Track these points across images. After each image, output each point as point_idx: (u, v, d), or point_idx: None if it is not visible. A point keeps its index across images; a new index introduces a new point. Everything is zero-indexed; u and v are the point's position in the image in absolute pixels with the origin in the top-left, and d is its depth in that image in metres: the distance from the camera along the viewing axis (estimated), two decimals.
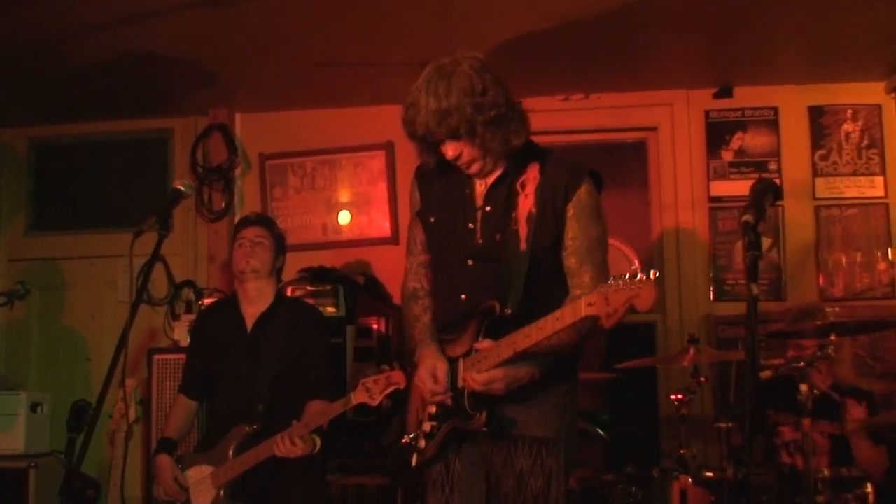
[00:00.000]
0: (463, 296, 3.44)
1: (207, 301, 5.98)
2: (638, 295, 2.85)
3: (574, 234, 3.36)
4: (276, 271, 4.87)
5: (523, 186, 3.42)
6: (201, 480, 4.51)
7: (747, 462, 3.27)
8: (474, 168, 3.40)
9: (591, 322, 3.09)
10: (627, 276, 2.89)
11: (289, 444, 4.26)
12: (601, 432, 5.49)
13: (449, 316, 3.51)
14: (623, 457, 5.21)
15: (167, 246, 3.78)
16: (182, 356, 5.67)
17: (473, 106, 3.23)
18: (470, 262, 3.44)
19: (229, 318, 4.80)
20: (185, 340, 5.87)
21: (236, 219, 6.87)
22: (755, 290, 2.81)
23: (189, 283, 6.68)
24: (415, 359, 3.55)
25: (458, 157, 3.35)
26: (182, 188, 3.83)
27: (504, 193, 3.44)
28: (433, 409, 3.44)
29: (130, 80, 6.38)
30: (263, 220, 4.94)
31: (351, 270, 6.36)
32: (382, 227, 6.81)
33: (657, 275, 2.85)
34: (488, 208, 3.45)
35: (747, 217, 2.94)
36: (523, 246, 3.36)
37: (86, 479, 5.07)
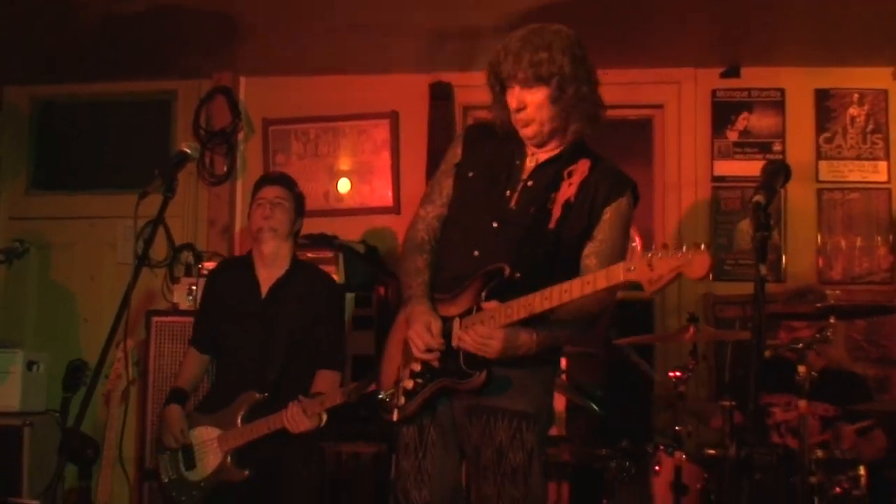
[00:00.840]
0: (476, 252, 3.41)
1: (208, 265, 5.97)
2: (690, 263, 2.83)
3: (604, 236, 3.38)
4: (294, 234, 4.78)
5: (570, 175, 3.41)
6: (207, 442, 4.51)
7: (750, 441, 3.27)
8: (531, 128, 3.38)
9: (614, 295, 3.13)
10: (674, 247, 2.88)
11: (298, 417, 4.25)
12: (595, 407, 5.49)
13: (453, 270, 3.48)
14: (616, 433, 5.23)
15: (167, 208, 3.76)
16: (181, 319, 5.75)
17: (572, 67, 3.26)
18: (495, 224, 3.41)
19: (244, 279, 4.72)
20: (184, 303, 5.87)
21: (238, 183, 6.91)
22: (763, 270, 2.81)
23: (188, 247, 6.65)
24: (405, 312, 3.51)
25: (522, 109, 3.34)
26: (188, 151, 3.80)
27: (550, 174, 3.43)
28: (417, 367, 3.42)
29: (135, 41, 6.34)
30: (284, 180, 4.82)
31: (351, 238, 6.34)
32: (384, 196, 6.80)
33: (709, 247, 2.85)
34: (531, 183, 3.44)
35: (758, 198, 2.95)
36: (552, 225, 3.36)
37: (85, 439, 5.07)
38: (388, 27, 6.05)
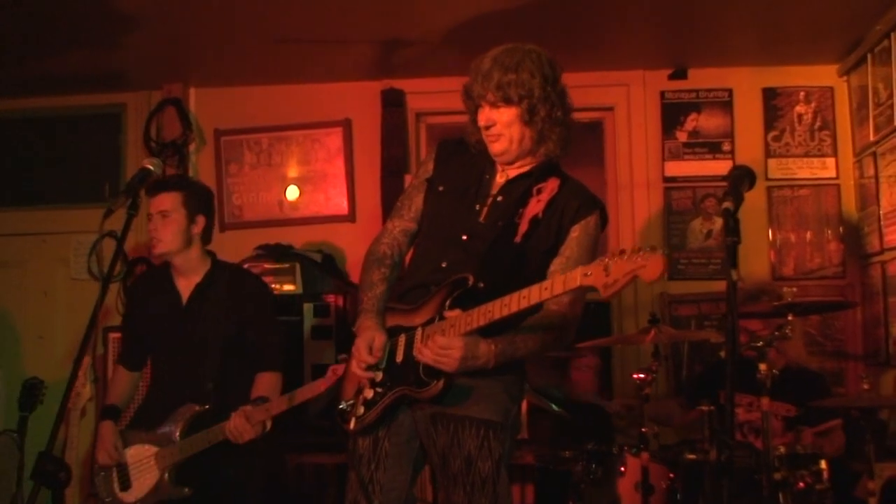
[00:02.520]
0: (444, 264, 3.45)
1: None
2: (645, 266, 2.87)
3: (571, 253, 3.41)
4: (200, 235, 4.50)
5: (539, 192, 3.45)
6: (143, 461, 4.38)
7: (730, 444, 3.32)
8: (499, 145, 3.42)
9: (578, 307, 3.21)
10: (630, 251, 2.92)
11: (241, 427, 4.15)
12: (556, 408, 5.52)
13: (420, 279, 3.52)
14: (577, 435, 5.26)
15: (119, 222, 3.69)
16: None
17: (542, 90, 3.33)
18: (464, 238, 3.46)
19: (163, 290, 4.54)
20: None
21: None
22: (735, 275, 2.86)
23: (143, 260, 6.60)
24: (354, 328, 3.52)
25: (490, 126, 3.38)
26: (151, 167, 3.76)
27: (520, 190, 3.47)
28: (379, 376, 3.43)
29: (83, 55, 6.28)
30: (170, 183, 4.47)
31: (307, 248, 6.34)
32: (339, 204, 6.78)
33: (665, 251, 2.89)
34: (500, 198, 3.49)
35: (727, 204, 3.00)
36: (518, 238, 3.40)
37: (58, 462, 5.01)
38: (337, 36, 6.06)
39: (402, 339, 3.43)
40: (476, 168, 3.56)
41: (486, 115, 3.38)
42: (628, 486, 4.75)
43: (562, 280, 3.05)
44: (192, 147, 6.92)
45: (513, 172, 3.51)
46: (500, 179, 3.52)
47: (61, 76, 6.66)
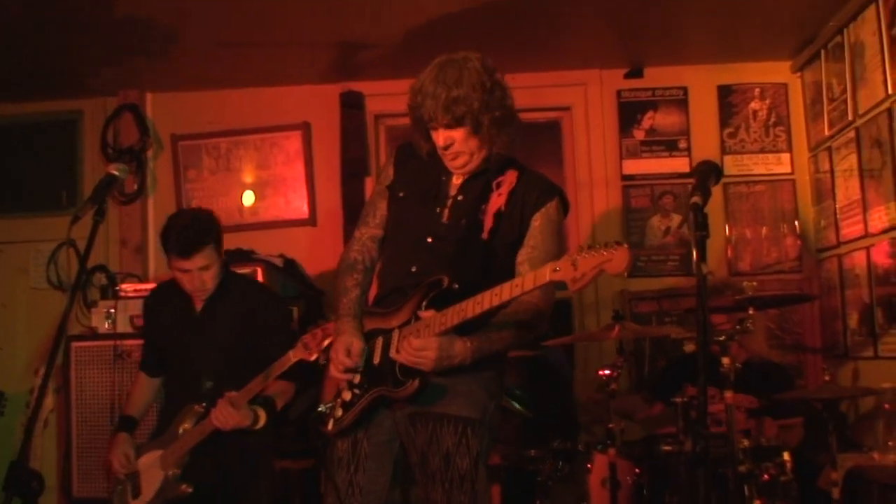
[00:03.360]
0: (413, 268, 3.48)
1: (125, 286, 5.91)
2: (610, 260, 2.93)
3: (535, 243, 3.46)
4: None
5: (498, 186, 3.50)
6: (151, 465, 4.47)
7: (705, 435, 3.36)
8: (459, 161, 3.46)
9: (550, 298, 3.23)
10: (596, 245, 2.98)
11: (224, 412, 4.19)
12: (518, 407, 5.54)
13: (393, 284, 3.56)
14: (540, 433, 5.29)
15: (77, 230, 3.67)
16: (101, 343, 5.68)
17: (481, 101, 3.32)
18: (429, 240, 3.49)
19: (178, 299, 4.61)
20: (102, 327, 5.79)
21: (149, 201, 6.83)
22: (705, 269, 2.91)
23: (101, 268, 6.56)
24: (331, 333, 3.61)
25: (449, 145, 3.41)
26: (116, 173, 3.75)
27: (479, 187, 3.52)
28: (357, 378, 3.47)
29: (38, 61, 6.24)
30: (201, 241, 4.38)
31: (268, 252, 6.32)
32: (299, 208, 6.78)
33: (628, 245, 2.94)
34: (460, 197, 3.52)
35: (695, 199, 3.05)
36: (485, 235, 3.44)
37: (29, 472, 4.99)
38: (295, 39, 6.05)
39: (378, 342, 3.47)
40: (433, 171, 3.59)
41: (443, 135, 3.40)
42: (596, 483, 4.78)
43: (532, 276, 3.10)
44: (149, 153, 6.89)
45: (469, 172, 3.55)
46: (456, 181, 3.56)
47: (16, 83, 6.61)
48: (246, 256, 6.11)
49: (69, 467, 5.62)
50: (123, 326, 5.73)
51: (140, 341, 5.48)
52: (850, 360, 5.94)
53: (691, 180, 6.08)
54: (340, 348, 3.46)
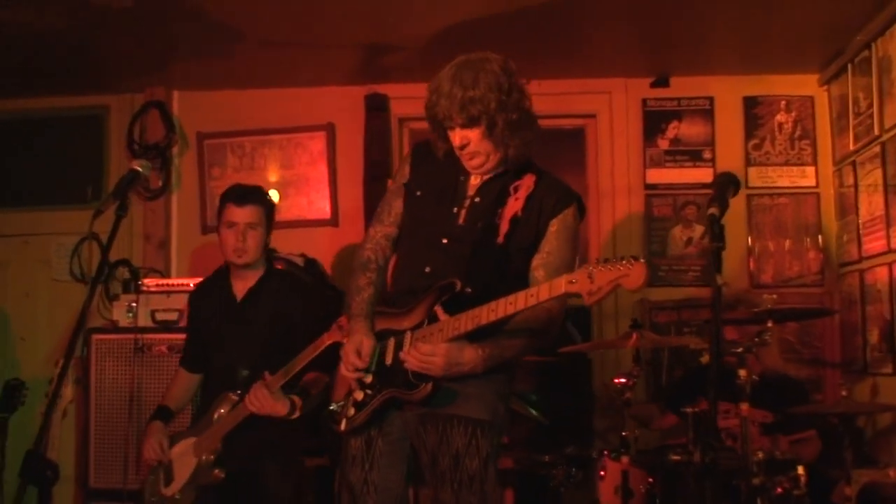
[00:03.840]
0: (428, 269, 3.49)
1: (147, 281, 5.95)
2: (628, 275, 2.94)
3: (551, 248, 3.48)
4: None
5: (516, 190, 3.51)
6: (185, 453, 4.53)
7: (715, 446, 3.36)
8: (475, 161, 3.48)
9: (562, 305, 3.25)
10: (614, 259, 2.99)
11: (259, 394, 4.24)
12: (534, 413, 5.53)
13: (407, 284, 3.56)
14: (555, 439, 5.28)
15: (101, 224, 3.72)
16: (121, 336, 5.72)
17: (498, 102, 3.33)
18: (445, 241, 3.50)
19: (220, 290, 4.73)
20: (124, 321, 5.83)
21: (173, 198, 6.88)
22: (720, 280, 2.92)
23: (124, 262, 6.60)
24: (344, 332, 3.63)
25: (465, 146, 3.42)
26: (139, 169, 3.79)
27: (496, 190, 3.53)
28: (369, 378, 3.48)
29: (67, 56, 6.27)
30: (256, 195, 4.66)
31: (290, 252, 6.34)
32: (322, 209, 6.80)
33: (646, 259, 2.96)
34: (478, 199, 3.54)
35: (713, 210, 3.07)
36: (500, 239, 3.45)
37: (44, 461, 5.03)
38: (322, 41, 6.07)
39: (391, 343, 3.48)
40: (451, 170, 3.60)
41: (459, 135, 3.42)
42: (608, 490, 4.78)
43: (547, 287, 3.11)
44: (175, 150, 6.92)
45: (487, 174, 3.56)
46: (475, 181, 3.57)
47: (45, 78, 6.66)
48: (267, 254, 6.13)
49: (86, 458, 5.66)
50: (144, 320, 5.75)
51: (160, 336, 5.59)
52: (870, 376, 5.90)
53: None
54: (351, 348, 3.48)
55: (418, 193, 3.65)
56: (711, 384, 2.90)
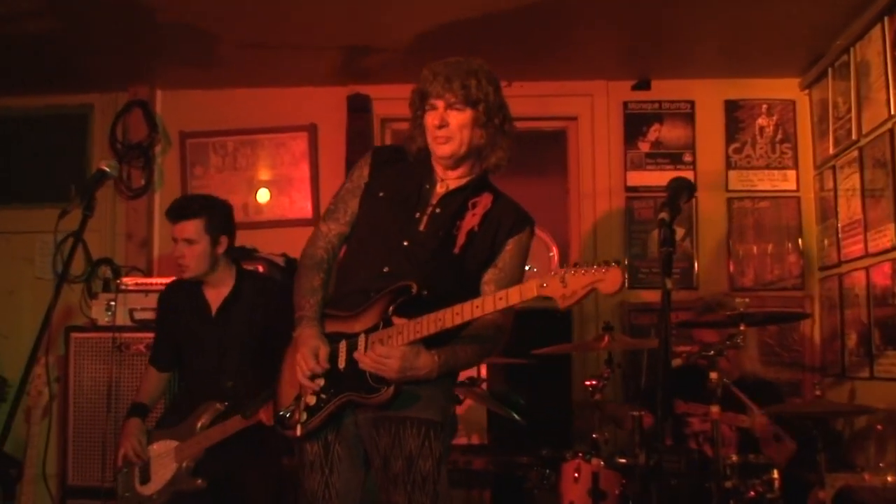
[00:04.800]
0: (386, 269, 3.48)
1: (126, 279, 5.96)
2: (603, 280, 2.97)
3: (504, 265, 3.52)
4: (225, 253, 4.75)
5: (474, 206, 3.56)
6: (164, 454, 4.55)
7: (659, 448, 3.38)
8: (446, 148, 3.47)
9: (510, 316, 3.32)
10: (588, 263, 3.01)
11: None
12: (516, 416, 5.54)
13: (359, 285, 3.54)
14: (537, 441, 5.29)
15: (92, 222, 3.76)
16: (99, 335, 5.72)
17: (497, 98, 3.46)
18: (406, 244, 3.50)
19: (193, 299, 4.76)
20: (102, 319, 5.83)
21: (156, 197, 6.89)
22: (669, 284, 2.94)
23: (107, 261, 6.63)
24: (295, 333, 3.58)
25: (443, 126, 3.43)
26: (107, 169, 3.80)
27: (457, 203, 3.55)
28: (321, 382, 3.46)
29: (52, 55, 6.28)
30: (190, 210, 4.66)
31: (271, 251, 6.35)
32: (304, 208, 6.82)
33: (624, 263, 2.97)
34: (438, 210, 3.55)
35: (663, 214, 3.07)
36: (456, 250, 3.48)
37: (7, 458, 5.04)
38: (304, 41, 6.08)
39: (343, 346, 3.48)
40: (415, 177, 3.62)
41: (439, 115, 3.43)
42: (581, 492, 4.79)
43: (518, 290, 3.13)
44: (157, 149, 6.94)
45: (452, 184, 3.58)
46: (439, 190, 3.59)
47: (28, 76, 6.67)
48: (248, 254, 6.13)
49: (64, 456, 5.67)
50: (123, 319, 5.76)
51: (138, 334, 5.59)
52: (848, 380, 5.92)
53: (695, 194, 6.19)
54: (308, 353, 3.45)
55: (381, 195, 3.64)
56: (660, 388, 2.90)
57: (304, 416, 3.48)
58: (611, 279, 2.96)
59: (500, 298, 3.15)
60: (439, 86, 3.41)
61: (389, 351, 3.29)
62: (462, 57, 3.51)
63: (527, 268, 3.51)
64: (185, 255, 4.61)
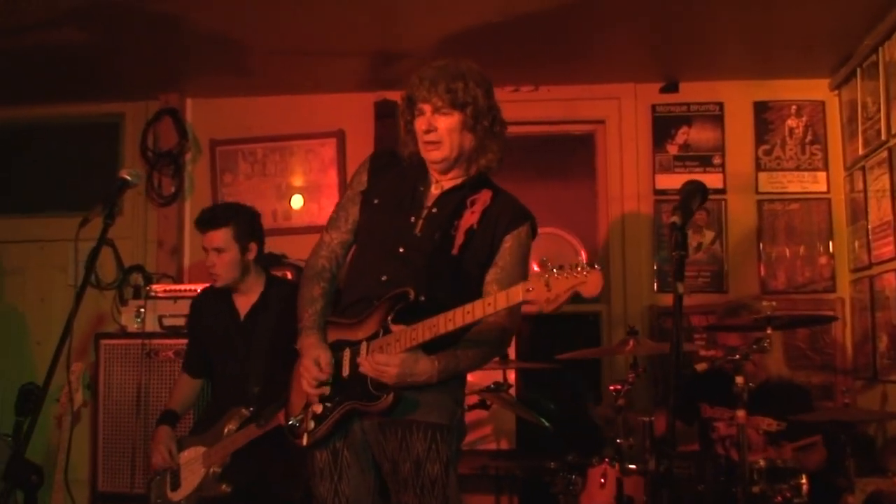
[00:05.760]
0: (384, 277, 3.48)
1: (155, 286, 6.01)
2: (584, 282, 2.95)
3: (504, 264, 3.50)
4: (255, 260, 4.82)
5: (472, 204, 3.54)
6: (192, 461, 4.60)
7: (669, 454, 3.36)
8: (437, 153, 3.48)
9: (516, 318, 3.28)
10: (569, 267, 2.98)
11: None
12: (544, 422, 5.53)
13: (362, 293, 3.55)
14: (566, 446, 5.28)
15: (116, 230, 3.81)
16: (129, 341, 5.78)
17: (486, 100, 3.44)
18: (401, 250, 3.50)
19: (223, 306, 4.82)
20: (132, 326, 5.88)
21: (186, 204, 6.94)
22: (681, 288, 2.91)
23: (138, 268, 6.70)
24: (297, 345, 3.61)
25: (432, 130, 3.44)
26: (128, 177, 3.85)
27: (454, 202, 3.54)
28: (327, 390, 3.48)
29: (82, 65, 6.34)
30: (218, 219, 4.74)
31: (299, 258, 6.37)
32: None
33: (601, 266, 2.96)
34: (435, 210, 3.54)
35: (675, 218, 3.05)
36: (455, 251, 3.46)
37: (29, 464, 5.10)
38: (332, 48, 6.10)
39: (346, 354, 3.50)
40: (409, 180, 3.61)
41: (427, 120, 3.44)
42: (608, 498, 4.77)
43: (504, 295, 3.12)
44: (188, 157, 6.99)
45: (447, 184, 3.58)
46: (434, 191, 3.58)
47: (61, 86, 6.74)
48: (276, 260, 6.17)
49: (95, 462, 5.73)
50: (152, 326, 5.82)
51: (167, 341, 5.64)
52: (879, 383, 5.86)
53: (725, 197, 6.18)
54: (310, 362, 3.48)
55: (375, 202, 3.65)
56: (672, 392, 2.89)
57: (312, 425, 3.49)
58: (592, 282, 2.95)
59: (489, 304, 3.15)
60: (425, 90, 3.41)
61: (389, 358, 3.30)
62: (451, 59, 3.49)
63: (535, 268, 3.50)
64: (216, 264, 4.68)
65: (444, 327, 3.22)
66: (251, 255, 4.79)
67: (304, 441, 3.50)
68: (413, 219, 3.54)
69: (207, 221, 4.72)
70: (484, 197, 3.55)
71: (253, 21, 5.70)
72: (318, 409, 3.50)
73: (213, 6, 5.47)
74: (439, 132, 3.43)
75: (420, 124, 3.47)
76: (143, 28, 5.79)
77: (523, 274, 3.48)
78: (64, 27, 5.72)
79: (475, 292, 3.44)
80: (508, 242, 3.51)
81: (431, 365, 3.34)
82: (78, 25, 5.71)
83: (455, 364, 3.40)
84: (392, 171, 3.66)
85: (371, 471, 3.58)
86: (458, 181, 3.57)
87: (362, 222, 3.69)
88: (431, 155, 3.50)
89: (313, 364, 3.47)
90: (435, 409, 3.44)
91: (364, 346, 3.43)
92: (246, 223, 4.79)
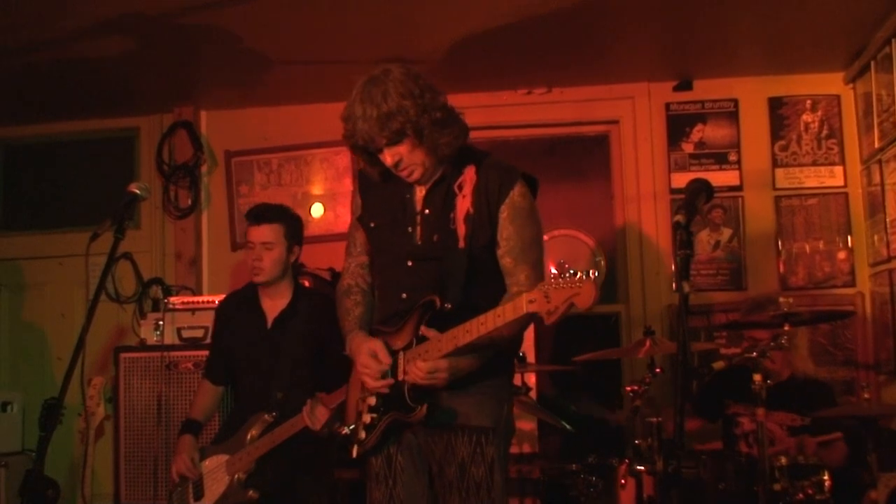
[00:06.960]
0: (404, 294, 3.51)
1: (173, 299, 6.02)
2: (578, 294, 2.95)
3: (508, 234, 3.46)
4: (292, 266, 4.85)
5: (461, 188, 3.50)
6: (216, 469, 4.60)
7: (678, 454, 3.34)
8: (415, 174, 3.46)
9: (530, 318, 3.21)
10: (567, 276, 2.97)
11: (318, 411, 4.30)
12: (566, 424, 5.52)
13: (389, 313, 3.57)
14: (590, 447, 5.26)
15: (135, 244, 3.83)
16: (148, 354, 5.77)
17: (416, 107, 3.31)
18: (410, 263, 3.51)
19: (250, 311, 4.82)
20: (151, 339, 5.90)
21: (203, 216, 6.96)
22: (686, 287, 2.90)
23: (157, 281, 6.72)
24: (346, 350, 3.61)
25: (399, 163, 3.41)
26: (137, 191, 3.87)
27: (442, 195, 3.51)
28: (373, 401, 3.50)
29: (98, 81, 6.40)
30: (271, 215, 4.79)
31: (317, 266, 6.38)
32: (347, 223, 6.76)
33: (596, 275, 2.94)
34: (427, 211, 3.53)
35: (679, 217, 3.03)
36: (462, 244, 3.44)
37: (45, 480, 5.12)
38: (342, 58, 6.10)
39: (398, 359, 3.50)
40: (395, 191, 3.59)
41: (389, 154, 3.40)
42: (629, 499, 4.76)
43: (511, 307, 3.13)
44: (203, 169, 7.03)
45: (429, 183, 3.55)
46: (420, 193, 3.56)
47: (76, 102, 6.80)
48: (297, 269, 6.17)
49: (117, 475, 5.74)
50: (171, 338, 5.83)
51: (186, 353, 5.65)
52: None
53: (742, 194, 6.15)
54: (367, 358, 3.46)
55: (372, 225, 3.66)
56: (679, 392, 2.88)
57: (363, 435, 3.50)
58: (585, 293, 2.95)
59: (499, 316, 3.16)
60: (364, 134, 3.35)
61: (436, 364, 3.31)
62: (367, 77, 3.42)
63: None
64: (263, 258, 4.68)
65: (463, 339, 3.24)
66: (293, 258, 4.83)
67: (354, 453, 3.52)
68: (410, 228, 3.54)
69: (260, 215, 4.77)
70: (469, 175, 3.50)
71: (265, 33, 5.75)
72: (368, 419, 3.50)
73: (238, 18, 5.50)
74: (405, 160, 3.41)
75: (385, 159, 3.43)
76: (164, 41, 5.83)
77: (533, 233, 3.48)
78: (77, 43, 5.75)
79: (495, 277, 3.47)
80: (505, 212, 3.45)
81: (470, 362, 3.36)
82: (97, 41, 5.74)
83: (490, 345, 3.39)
84: (378, 186, 3.64)
85: (425, 474, 3.59)
86: (438, 175, 3.53)
87: (370, 244, 3.71)
88: (411, 179, 3.49)
89: (370, 358, 3.46)
90: (480, 411, 3.45)
91: (401, 355, 3.44)
92: (295, 225, 4.84)
